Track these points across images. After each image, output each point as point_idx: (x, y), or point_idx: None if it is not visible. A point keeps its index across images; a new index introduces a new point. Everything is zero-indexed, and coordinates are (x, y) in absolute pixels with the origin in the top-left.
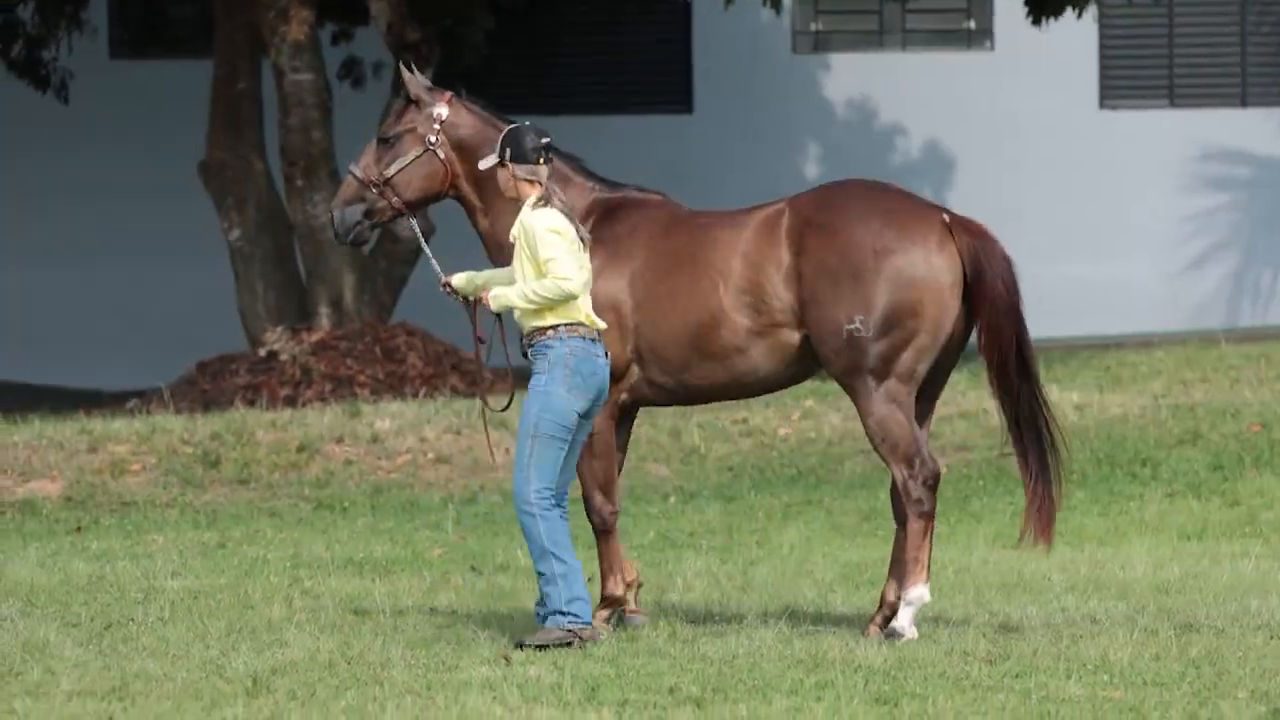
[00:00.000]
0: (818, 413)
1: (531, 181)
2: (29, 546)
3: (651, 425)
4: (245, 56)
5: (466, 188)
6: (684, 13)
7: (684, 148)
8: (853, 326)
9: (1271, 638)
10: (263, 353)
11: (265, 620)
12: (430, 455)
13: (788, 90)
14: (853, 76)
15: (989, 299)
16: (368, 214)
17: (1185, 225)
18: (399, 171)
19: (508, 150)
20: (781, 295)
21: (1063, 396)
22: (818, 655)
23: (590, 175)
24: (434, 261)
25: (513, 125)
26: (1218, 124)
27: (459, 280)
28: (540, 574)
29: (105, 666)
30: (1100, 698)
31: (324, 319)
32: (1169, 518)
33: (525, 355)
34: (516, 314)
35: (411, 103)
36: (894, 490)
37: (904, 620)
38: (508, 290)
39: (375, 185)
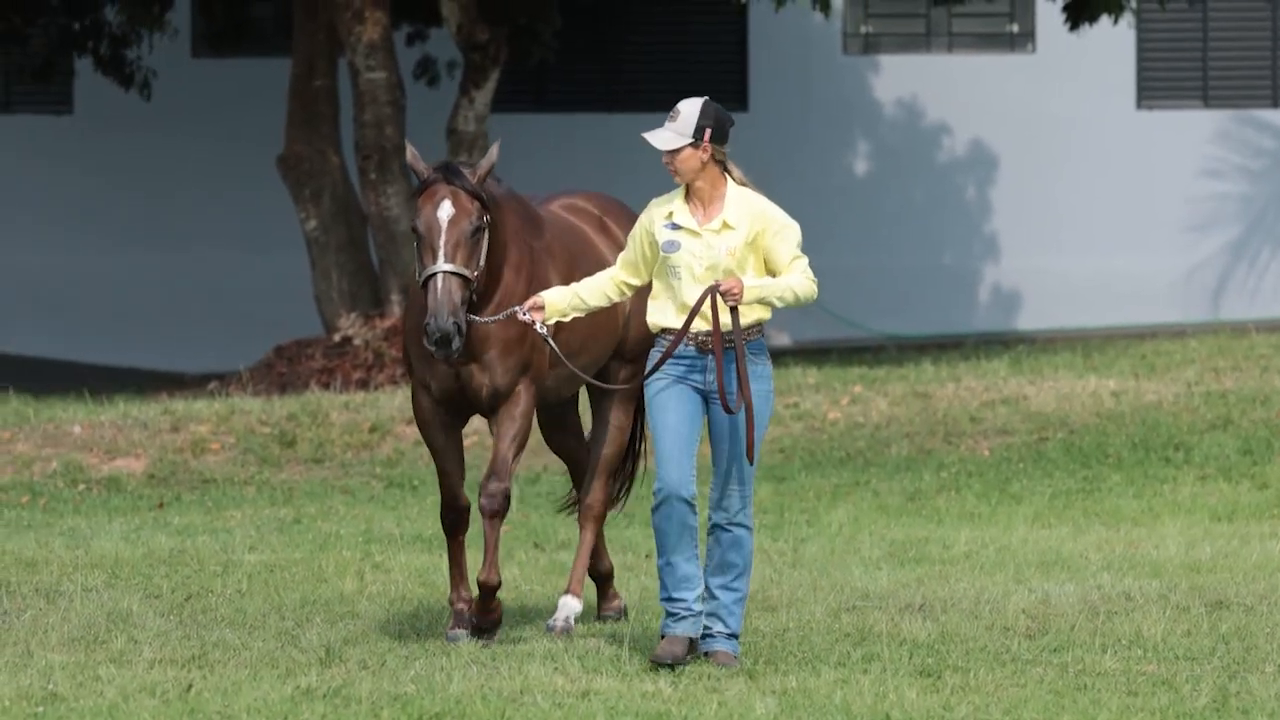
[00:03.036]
0: (866, 398)
1: (722, 165)
2: (114, 521)
3: None
4: (323, 55)
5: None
6: (741, 15)
7: (741, 143)
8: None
9: None
10: (337, 338)
11: (338, 593)
12: None
13: (838, 90)
14: (901, 77)
15: None
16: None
17: (1216, 221)
18: (484, 263)
19: (707, 129)
20: None
21: (1100, 384)
22: (864, 629)
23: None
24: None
25: (705, 99)
26: (1250, 123)
27: (554, 299)
28: (738, 593)
29: (185, 636)
30: (1134, 671)
31: (395, 306)
32: (1201, 500)
33: (705, 349)
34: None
35: (453, 184)
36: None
37: (560, 618)
38: (768, 283)
39: (474, 283)
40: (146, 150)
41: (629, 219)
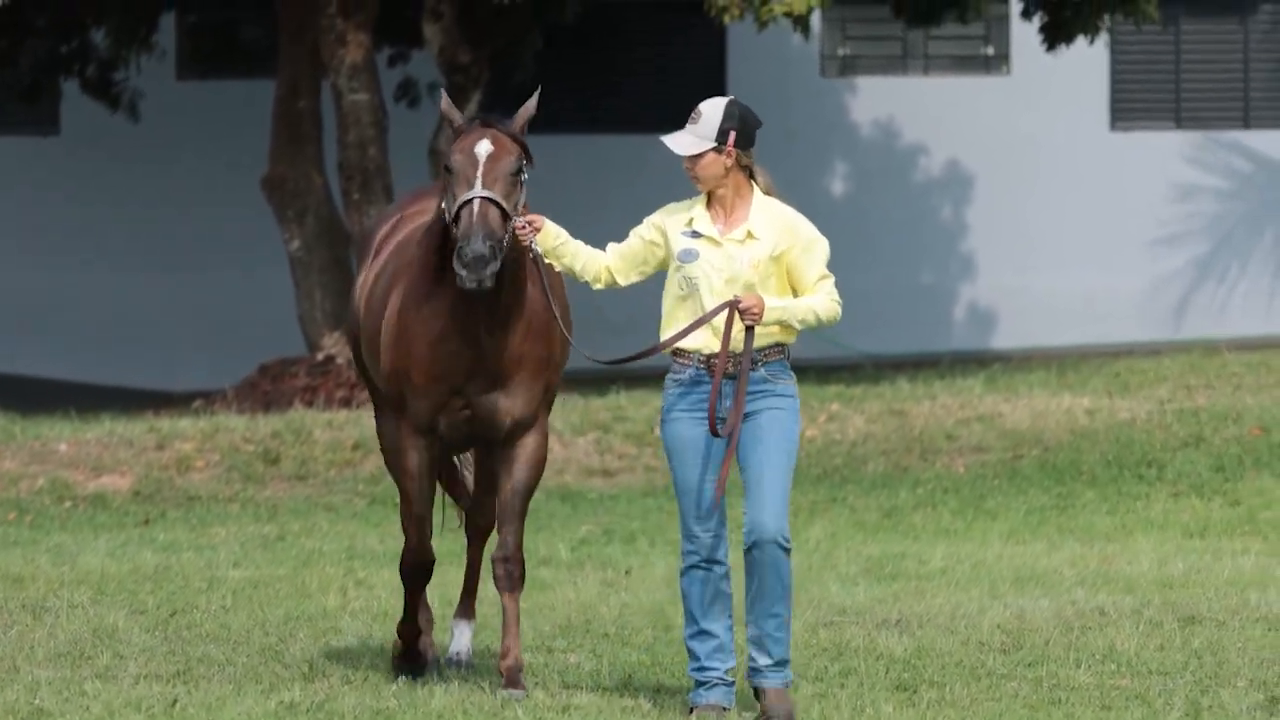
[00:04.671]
0: (842, 416)
1: (748, 171)
2: (100, 537)
3: None
4: (306, 77)
5: None
6: (720, 37)
7: None
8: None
9: (1270, 629)
10: (320, 357)
11: (321, 609)
12: None
13: (817, 111)
14: (878, 99)
15: None
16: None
17: (1187, 240)
18: (520, 212)
19: (731, 131)
20: None
21: (1074, 401)
22: (841, 644)
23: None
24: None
25: (729, 99)
26: (1220, 144)
27: (550, 228)
28: (780, 618)
29: (170, 651)
30: (1108, 686)
31: None
32: (1173, 516)
33: (710, 371)
34: (756, 326)
35: (487, 127)
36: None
37: (461, 648)
38: (790, 303)
39: (510, 224)
40: (132, 171)
41: None
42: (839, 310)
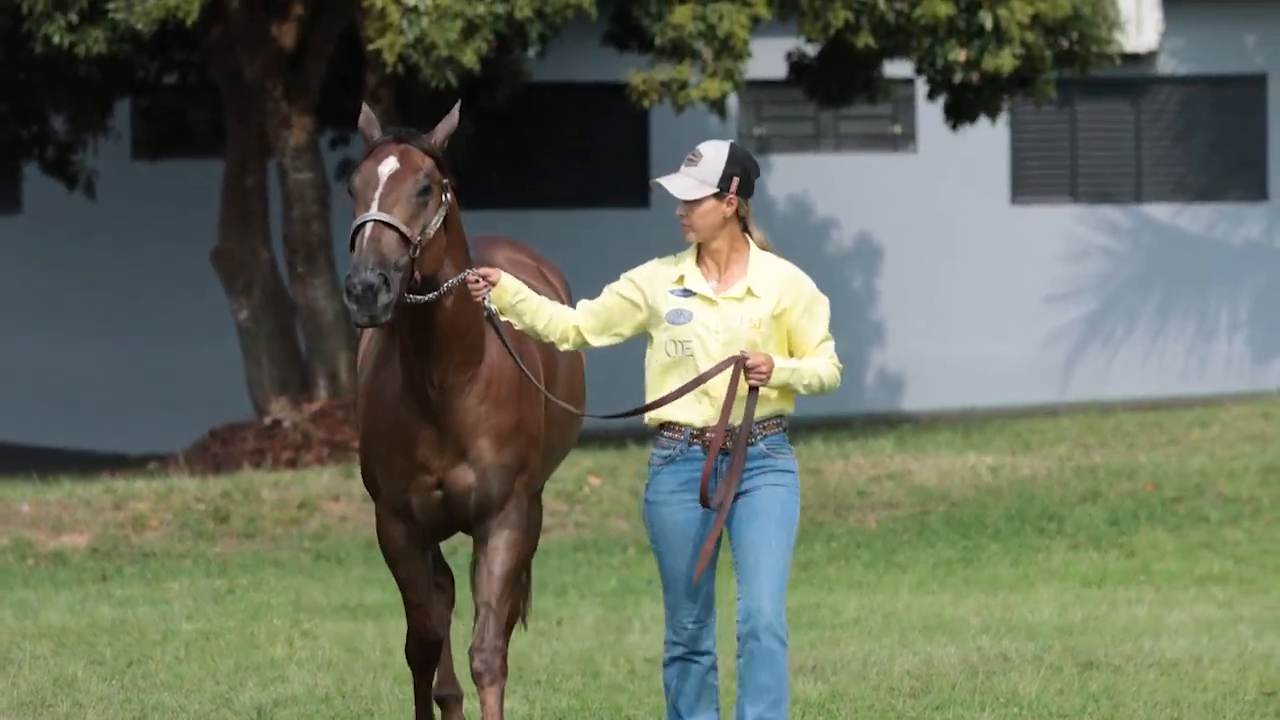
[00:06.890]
0: None
1: (747, 221)
2: (59, 593)
3: (612, 484)
4: (253, 157)
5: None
6: (642, 120)
7: (642, 239)
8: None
9: (1163, 674)
10: (268, 421)
11: (269, 658)
12: None
13: None
14: (792, 175)
15: None
16: (401, 282)
17: (1082, 307)
18: (434, 235)
19: (734, 178)
20: None
21: (979, 460)
22: None
23: None
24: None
25: (730, 142)
26: (1113, 216)
27: (507, 283)
28: None
29: (127, 700)
30: None
31: (322, 390)
32: (1073, 567)
33: (703, 445)
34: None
35: (400, 143)
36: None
37: None
38: (798, 365)
39: (413, 249)
40: (90, 246)
41: (552, 264)
42: (839, 376)
